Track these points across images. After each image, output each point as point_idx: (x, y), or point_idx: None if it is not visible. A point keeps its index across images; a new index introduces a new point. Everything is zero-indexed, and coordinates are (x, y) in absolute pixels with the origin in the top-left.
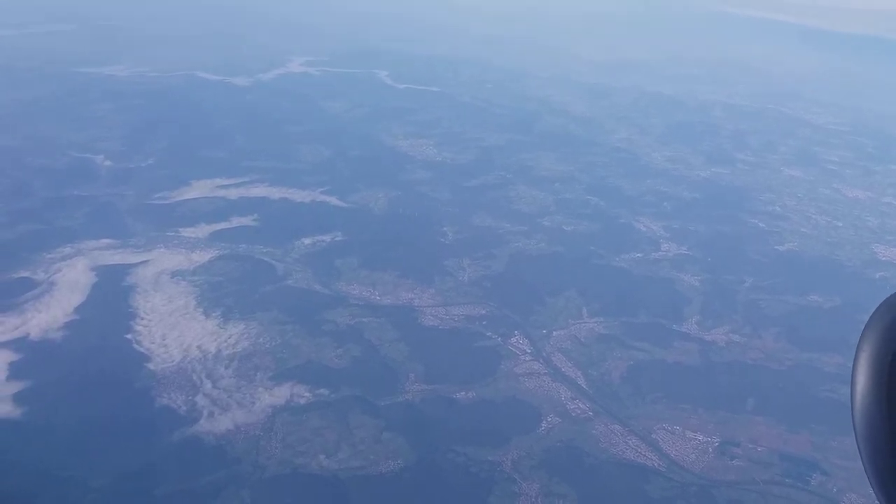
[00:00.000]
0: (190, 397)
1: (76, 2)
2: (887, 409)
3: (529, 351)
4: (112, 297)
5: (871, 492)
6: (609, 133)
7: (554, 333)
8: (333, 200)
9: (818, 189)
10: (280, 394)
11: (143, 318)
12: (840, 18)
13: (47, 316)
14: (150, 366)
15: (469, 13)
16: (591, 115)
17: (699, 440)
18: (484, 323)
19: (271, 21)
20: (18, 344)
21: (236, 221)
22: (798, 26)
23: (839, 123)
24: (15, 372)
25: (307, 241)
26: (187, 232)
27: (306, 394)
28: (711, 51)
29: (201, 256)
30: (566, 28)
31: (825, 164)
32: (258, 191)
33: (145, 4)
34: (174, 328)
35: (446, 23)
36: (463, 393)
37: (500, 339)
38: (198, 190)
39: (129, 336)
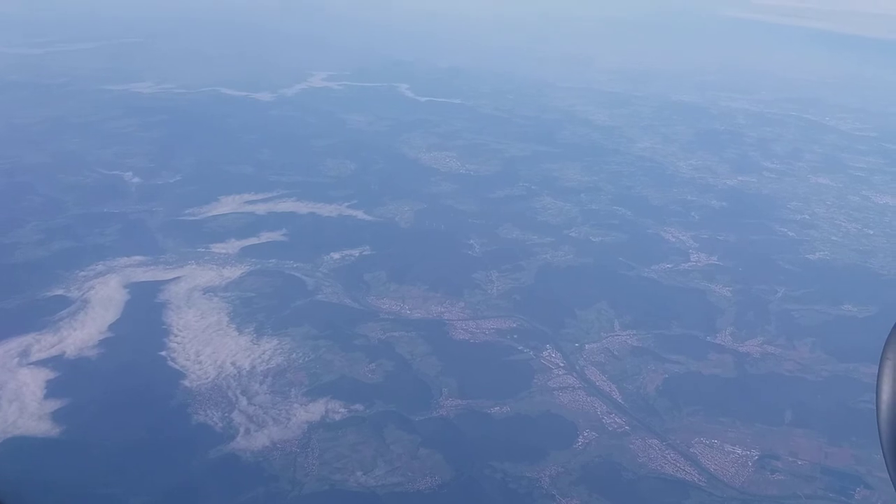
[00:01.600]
0: (226, 414)
1: (99, 20)
2: None
3: (562, 365)
4: (145, 313)
5: None
6: (633, 142)
7: (586, 346)
8: (360, 214)
9: (847, 196)
10: (315, 409)
11: (176, 335)
12: (857, 22)
13: (82, 333)
14: (186, 382)
15: (480, 22)
16: (613, 125)
17: (738, 454)
18: (515, 336)
19: (290, 37)
20: (55, 362)
21: (265, 237)
22: (814, 31)
23: (865, 129)
24: (52, 390)
25: (336, 255)
26: (218, 248)
27: (341, 409)
28: (729, 57)
29: (232, 272)
30: (580, 35)
31: (853, 170)
32: (286, 205)
33: (166, 23)
34: (208, 344)
35: (461, 33)
36: (497, 408)
37: (532, 352)
38: (226, 205)
39: (163, 353)
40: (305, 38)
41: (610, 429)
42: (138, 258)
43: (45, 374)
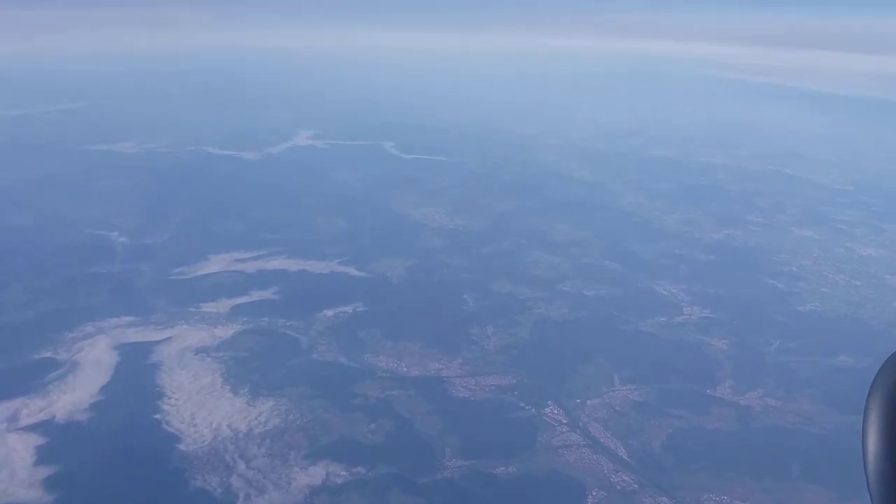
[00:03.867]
0: (225, 479)
1: (83, 81)
2: None
3: (565, 421)
4: (137, 375)
5: None
6: (618, 197)
7: (588, 402)
8: (352, 271)
9: (832, 248)
10: (316, 473)
11: (170, 397)
12: (827, 80)
13: (72, 397)
14: (182, 446)
15: (459, 80)
16: (597, 181)
17: None
18: (516, 393)
19: (272, 94)
20: (45, 427)
21: (257, 295)
22: (787, 89)
23: (843, 183)
24: (43, 456)
25: (329, 312)
26: (208, 307)
27: (343, 472)
28: (707, 114)
29: (224, 332)
30: (559, 93)
31: (835, 223)
32: (276, 263)
33: (148, 82)
34: (203, 406)
35: (441, 90)
36: (503, 468)
37: (533, 409)
38: (216, 264)
39: (157, 416)
40: (287, 94)
41: (619, 487)
42: (128, 319)
43: (35, 440)
